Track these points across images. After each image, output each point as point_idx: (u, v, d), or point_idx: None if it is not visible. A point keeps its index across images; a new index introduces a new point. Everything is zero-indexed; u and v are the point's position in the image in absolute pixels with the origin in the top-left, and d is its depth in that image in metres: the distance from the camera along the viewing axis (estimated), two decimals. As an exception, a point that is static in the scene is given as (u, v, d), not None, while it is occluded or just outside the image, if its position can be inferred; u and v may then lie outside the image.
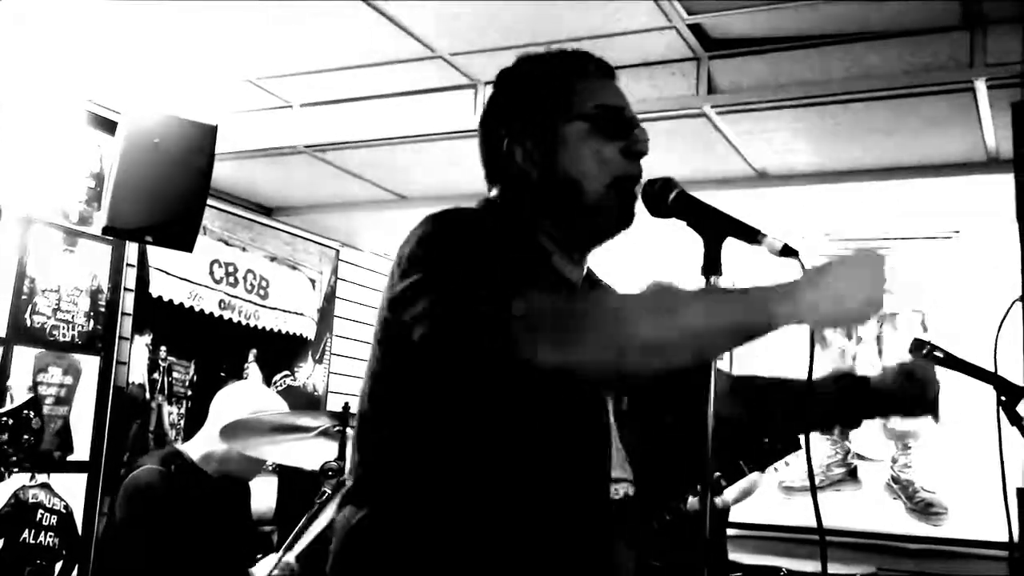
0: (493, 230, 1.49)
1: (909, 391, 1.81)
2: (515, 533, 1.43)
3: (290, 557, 2.92)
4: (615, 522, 1.59)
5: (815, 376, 1.55)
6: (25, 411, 2.75)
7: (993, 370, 2.61)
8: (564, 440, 1.51)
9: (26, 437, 2.69)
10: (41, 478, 3.91)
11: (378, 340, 1.54)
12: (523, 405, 1.44)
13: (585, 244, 1.66)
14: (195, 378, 4.77)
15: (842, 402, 1.80)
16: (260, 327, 5.28)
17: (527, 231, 1.60)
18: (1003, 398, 2.58)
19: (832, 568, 4.51)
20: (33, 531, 3.86)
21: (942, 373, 2.82)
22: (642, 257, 5.50)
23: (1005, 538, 4.48)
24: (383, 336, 1.52)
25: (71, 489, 4.04)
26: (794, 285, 1.30)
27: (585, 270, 1.69)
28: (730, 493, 3.40)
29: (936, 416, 1.84)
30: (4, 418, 2.69)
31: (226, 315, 5.05)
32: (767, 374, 1.96)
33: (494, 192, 1.68)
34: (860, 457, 5.18)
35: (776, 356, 5.20)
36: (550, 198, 1.59)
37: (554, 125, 1.59)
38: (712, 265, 1.45)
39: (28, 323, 3.88)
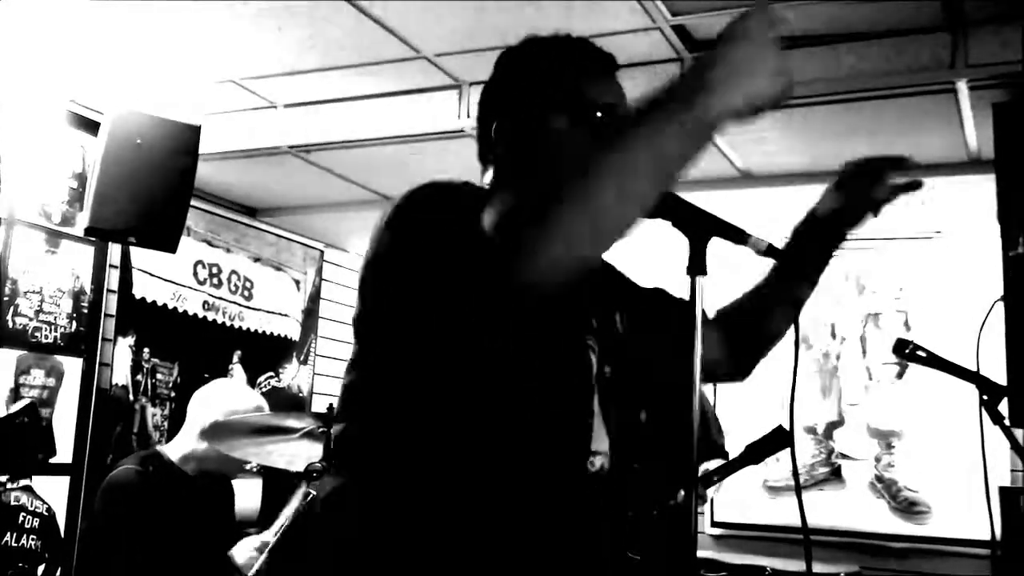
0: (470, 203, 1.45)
1: (856, 192, 1.87)
2: (493, 504, 1.40)
3: (267, 535, 2.91)
4: (595, 496, 1.56)
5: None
6: (21, 417, 2.76)
7: (975, 369, 2.62)
8: (545, 409, 1.47)
9: (27, 442, 2.70)
10: (23, 480, 3.88)
11: (357, 316, 1.52)
12: (504, 372, 1.42)
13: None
14: (179, 380, 4.75)
15: (806, 250, 1.79)
16: (244, 328, 5.26)
17: None
18: (985, 397, 2.59)
19: (816, 567, 4.53)
20: (15, 534, 3.84)
21: (925, 372, 2.84)
22: (628, 257, 5.51)
23: (988, 537, 4.52)
24: (361, 310, 1.51)
25: (54, 491, 4.01)
26: (702, 72, 1.27)
27: None
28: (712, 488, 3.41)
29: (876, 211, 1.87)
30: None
31: (210, 316, 5.03)
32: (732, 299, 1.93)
33: (487, 177, 1.69)
34: (844, 456, 5.20)
35: (759, 366, 5.21)
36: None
37: (539, 115, 1.58)
38: (697, 265, 1.45)
39: (10, 325, 3.85)
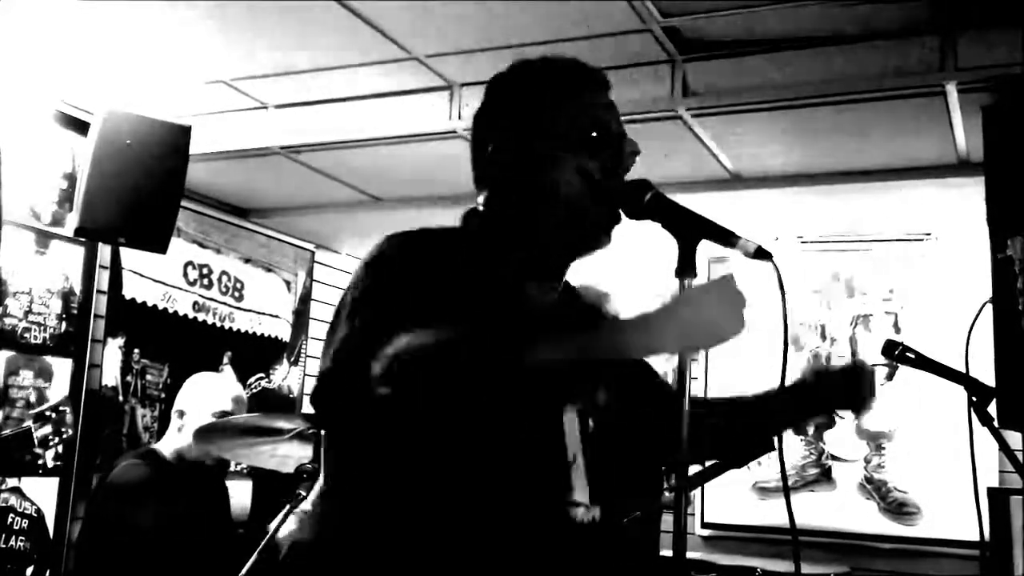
0: (443, 260, 1.50)
1: (840, 388, 1.86)
2: (463, 548, 1.41)
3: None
4: (586, 546, 1.57)
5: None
6: (63, 407, 2.97)
7: (964, 371, 2.63)
8: (513, 459, 1.47)
9: (64, 430, 2.90)
10: (12, 482, 3.87)
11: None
12: (467, 425, 1.42)
13: (560, 261, 1.65)
14: (169, 380, 4.74)
15: (736, 432, 1.87)
16: (235, 329, 5.25)
17: (498, 253, 1.59)
18: (974, 399, 2.61)
19: (806, 568, 4.54)
20: (3, 535, 3.82)
21: (915, 374, 2.85)
22: (619, 259, 5.51)
23: (976, 538, 4.53)
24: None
25: (43, 493, 4.00)
26: (649, 316, 1.33)
27: (561, 287, 1.69)
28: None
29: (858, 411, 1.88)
30: (48, 412, 2.92)
31: (200, 317, 5.02)
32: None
33: (481, 198, 1.68)
34: (834, 458, 5.21)
35: (747, 362, 5.24)
36: (525, 212, 1.59)
37: (537, 138, 1.59)
38: (687, 267, 1.46)
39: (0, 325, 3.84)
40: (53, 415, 3.02)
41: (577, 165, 1.57)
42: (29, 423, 3.07)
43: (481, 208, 1.67)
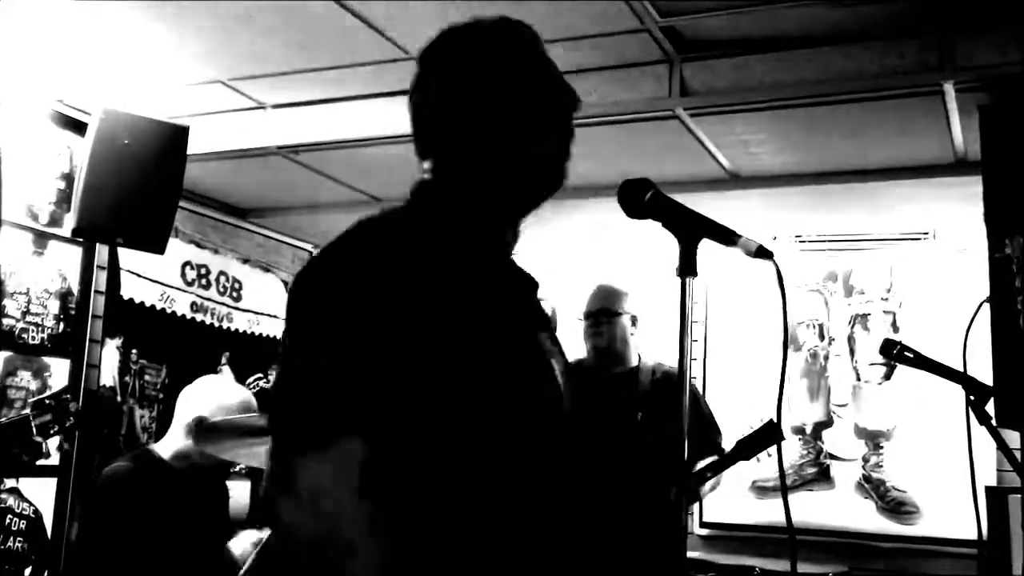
0: (397, 266, 1.39)
1: None
2: None
3: (266, 531, 2.91)
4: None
5: None
6: (65, 395, 3.16)
7: (962, 370, 2.63)
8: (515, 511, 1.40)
9: (66, 418, 2.98)
10: (10, 483, 3.86)
11: None
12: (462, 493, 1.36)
13: (518, 211, 1.63)
14: (167, 381, 4.73)
15: None
16: (233, 329, 5.25)
17: (456, 225, 1.56)
18: (972, 398, 2.61)
19: (804, 567, 4.54)
20: (1, 536, 3.82)
21: (913, 373, 2.86)
22: (619, 259, 5.51)
23: (975, 536, 4.54)
24: None
25: (41, 493, 3.99)
26: None
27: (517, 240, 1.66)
28: (706, 485, 3.42)
29: None
30: (48, 400, 2.98)
31: (198, 317, 5.01)
32: None
33: (427, 165, 1.69)
34: (832, 457, 5.21)
35: (746, 361, 5.23)
36: (486, 172, 1.57)
37: (489, 97, 1.58)
38: (688, 266, 1.46)
39: (-3, 326, 3.84)
40: (54, 403, 3.08)
41: (528, 121, 1.57)
42: (28, 410, 3.11)
43: (430, 177, 1.68)
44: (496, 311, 1.46)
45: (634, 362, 3.69)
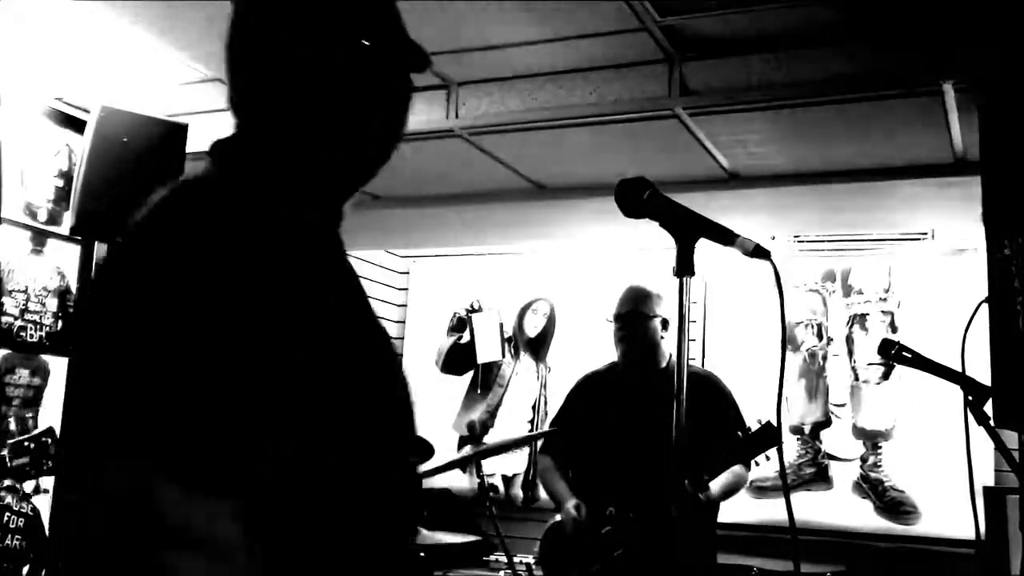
0: (227, 249, 1.16)
1: None
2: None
3: None
4: None
5: None
6: (44, 438, 2.94)
7: (961, 370, 2.63)
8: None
9: (45, 461, 2.87)
10: (8, 481, 3.86)
11: None
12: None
13: (346, 180, 1.45)
14: (165, 379, 4.73)
15: None
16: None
17: (274, 188, 1.33)
18: (971, 398, 2.61)
19: (802, 566, 4.54)
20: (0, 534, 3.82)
21: (912, 373, 2.86)
22: (618, 258, 5.51)
23: (972, 536, 4.54)
24: None
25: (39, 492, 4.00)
26: None
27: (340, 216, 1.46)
28: (714, 486, 3.40)
29: None
30: (26, 443, 2.90)
31: (197, 316, 5.00)
32: None
33: (235, 120, 1.44)
34: (830, 457, 5.21)
35: (745, 360, 5.23)
36: (308, 128, 1.36)
37: (320, 45, 1.37)
38: (685, 266, 1.46)
39: (-5, 324, 3.84)
40: (32, 445, 2.98)
41: (356, 70, 1.40)
42: (4, 452, 3.05)
43: (239, 138, 1.43)
44: (332, 304, 1.27)
45: (664, 363, 3.68)
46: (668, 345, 3.71)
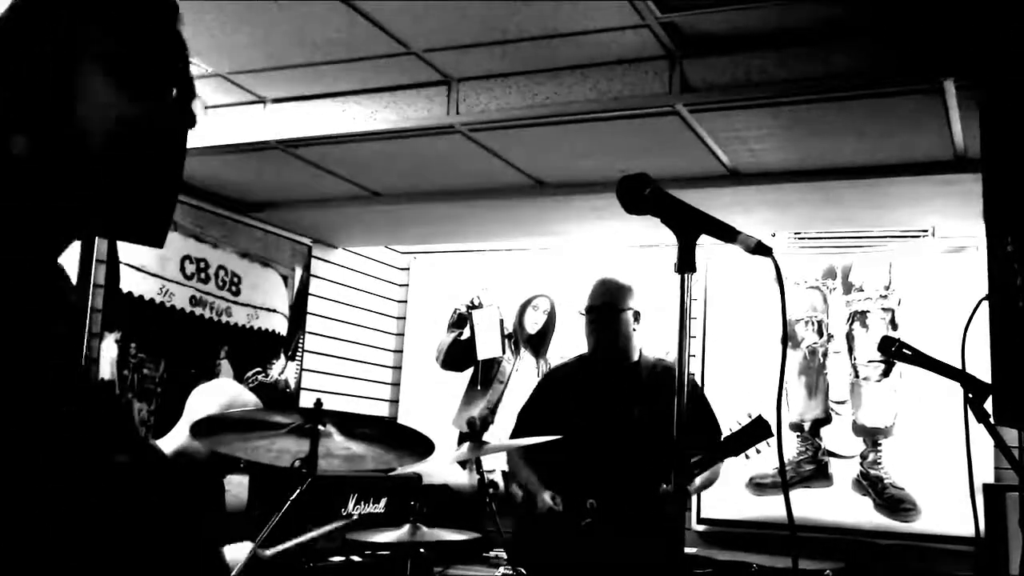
0: None
1: None
2: None
3: (265, 552, 2.90)
4: None
5: None
6: None
7: (961, 368, 2.63)
8: None
9: None
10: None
11: None
12: None
13: (74, 222, 1.26)
14: (165, 375, 4.73)
15: None
16: (232, 324, 5.25)
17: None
18: (971, 395, 2.61)
19: (801, 563, 4.55)
20: (0, 529, 3.82)
21: (912, 370, 2.85)
22: (619, 255, 5.51)
23: (972, 533, 4.54)
24: None
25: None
26: None
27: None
28: (697, 480, 3.43)
29: None
30: None
31: (197, 311, 5.01)
32: None
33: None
34: (830, 454, 5.22)
35: (745, 357, 5.23)
36: (47, 154, 1.17)
37: (63, 61, 1.18)
38: (686, 262, 1.46)
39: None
40: None
41: (98, 89, 1.20)
42: None
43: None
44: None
45: (635, 357, 3.70)
46: (639, 339, 3.72)
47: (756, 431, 3.30)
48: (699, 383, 3.81)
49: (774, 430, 2.45)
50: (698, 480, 3.44)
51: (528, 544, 3.64)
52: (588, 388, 3.70)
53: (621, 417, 3.59)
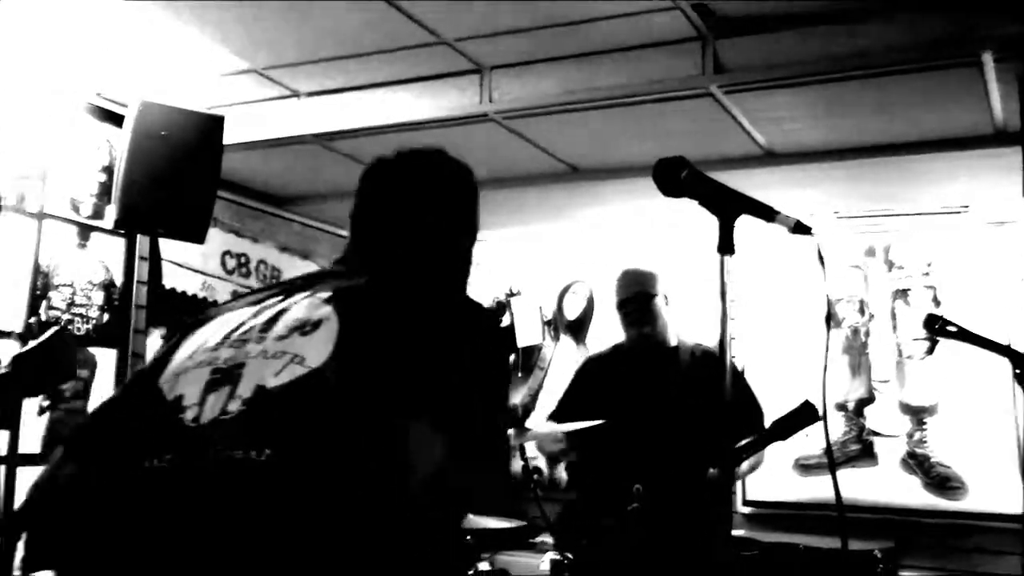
0: None
1: None
2: None
3: None
4: None
5: None
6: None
7: (1007, 343, 2.61)
8: None
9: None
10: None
11: None
12: None
13: None
14: (210, 369, 4.79)
15: None
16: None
17: None
18: (1018, 370, 2.58)
19: (849, 544, 4.51)
20: (54, 524, 3.90)
21: (956, 347, 2.83)
22: (657, 239, 5.49)
23: (1021, 511, 4.49)
24: None
25: (90, 482, 4.07)
26: None
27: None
28: (744, 465, 3.41)
29: None
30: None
31: (239, 306, 5.06)
32: None
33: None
34: (875, 433, 5.17)
35: (787, 344, 5.18)
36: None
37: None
38: (726, 243, 1.46)
39: (43, 318, 3.90)
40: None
41: None
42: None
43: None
44: None
45: (673, 342, 3.68)
46: (673, 323, 3.70)
47: (804, 415, 3.27)
48: (740, 369, 3.77)
49: (820, 413, 2.44)
50: (745, 465, 3.42)
51: (574, 530, 3.65)
52: (628, 375, 3.69)
53: (664, 402, 3.58)
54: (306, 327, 1.35)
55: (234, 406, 1.27)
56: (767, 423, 3.47)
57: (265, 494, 1.19)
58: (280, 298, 1.46)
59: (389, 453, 1.22)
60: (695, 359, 3.66)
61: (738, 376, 3.74)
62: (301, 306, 1.41)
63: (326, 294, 1.42)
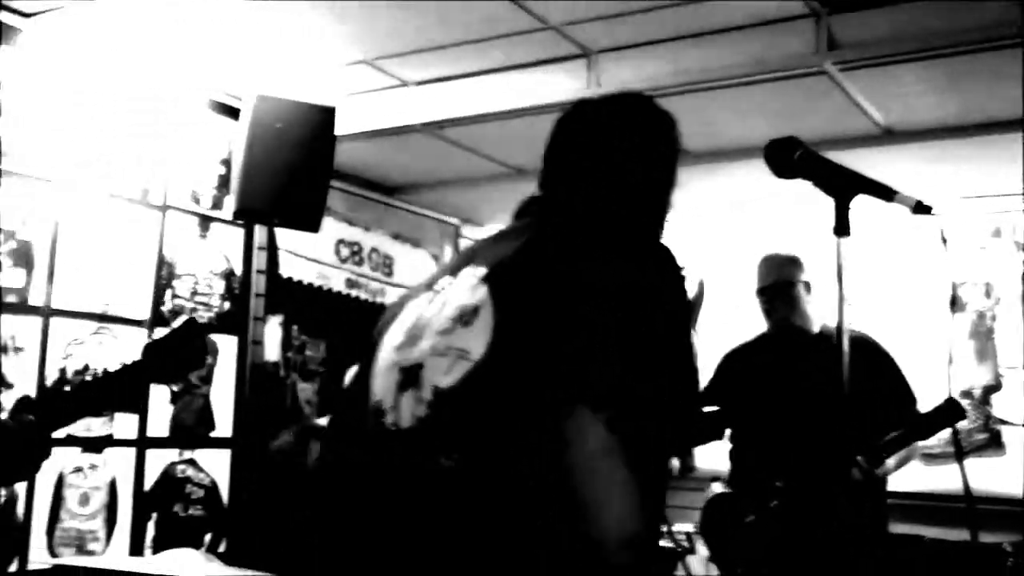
0: None
1: None
2: None
3: None
4: None
5: None
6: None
7: None
8: None
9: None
10: (188, 454, 4.10)
11: None
12: None
13: None
14: (326, 356, 4.91)
15: None
16: (387, 304, 5.39)
17: None
18: None
19: (979, 536, 4.36)
20: (183, 504, 4.06)
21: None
22: (769, 223, 5.39)
23: None
24: None
25: (216, 464, 4.22)
26: None
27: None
28: (890, 460, 3.29)
29: None
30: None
31: (353, 293, 5.17)
32: None
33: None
34: (1002, 422, 4.98)
35: (908, 329, 5.03)
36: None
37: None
38: (842, 225, 1.42)
39: (169, 306, 4.06)
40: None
41: None
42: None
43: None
44: None
45: (816, 329, 3.58)
46: (816, 309, 3.60)
47: (948, 414, 3.18)
48: (893, 356, 3.62)
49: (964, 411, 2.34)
50: (892, 461, 3.30)
51: (714, 525, 3.60)
52: (772, 366, 3.61)
53: (809, 394, 3.48)
54: (465, 315, 1.36)
55: (421, 411, 1.32)
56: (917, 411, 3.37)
57: (455, 500, 1.25)
58: (450, 278, 1.48)
59: (548, 449, 1.23)
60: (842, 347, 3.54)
61: (890, 363, 3.60)
62: (462, 288, 1.41)
63: (483, 271, 1.41)
